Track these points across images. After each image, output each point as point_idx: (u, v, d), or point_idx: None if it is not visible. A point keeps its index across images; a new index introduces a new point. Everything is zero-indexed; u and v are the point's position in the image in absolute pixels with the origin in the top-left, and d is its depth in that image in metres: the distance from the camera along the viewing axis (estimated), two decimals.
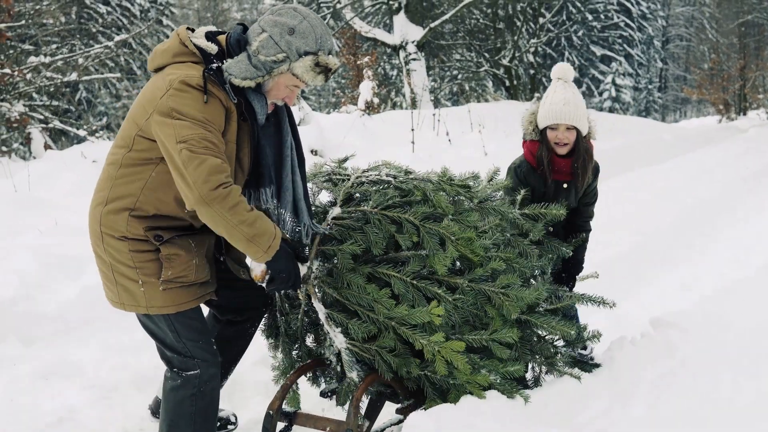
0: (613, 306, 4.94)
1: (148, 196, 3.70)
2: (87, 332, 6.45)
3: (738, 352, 5.08)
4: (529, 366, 4.65)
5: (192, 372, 3.92)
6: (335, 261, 4.11)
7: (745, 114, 42.81)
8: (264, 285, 3.95)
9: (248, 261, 3.92)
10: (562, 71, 4.94)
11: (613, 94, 57.73)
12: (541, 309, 4.57)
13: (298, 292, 4.18)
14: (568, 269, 5.28)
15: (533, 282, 4.57)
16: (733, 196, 12.81)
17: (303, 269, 4.04)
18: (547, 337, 4.65)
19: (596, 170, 5.17)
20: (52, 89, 15.53)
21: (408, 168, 4.48)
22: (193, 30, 3.85)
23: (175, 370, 3.95)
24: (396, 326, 4.00)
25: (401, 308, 3.98)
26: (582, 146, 4.92)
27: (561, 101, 4.83)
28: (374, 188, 4.24)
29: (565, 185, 5.04)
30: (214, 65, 3.66)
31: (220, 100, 3.64)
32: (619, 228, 10.21)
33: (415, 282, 4.05)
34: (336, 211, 4.17)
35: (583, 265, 5.39)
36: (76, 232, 7.60)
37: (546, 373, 4.70)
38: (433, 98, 24.19)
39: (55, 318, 6.58)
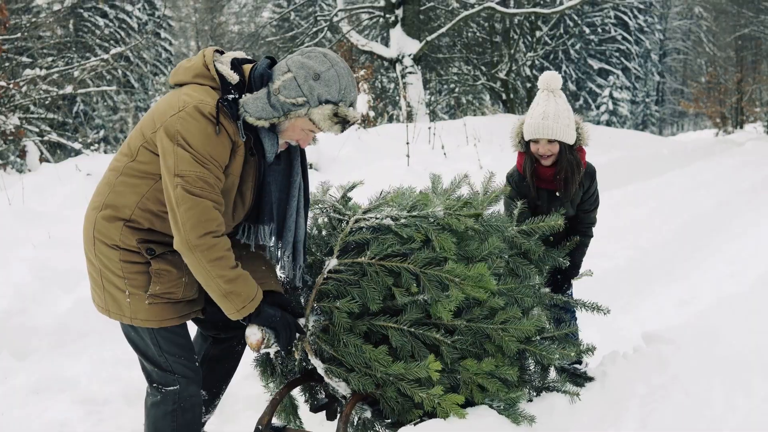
0: (608, 312, 4.92)
1: (143, 210, 3.67)
2: (81, 346, 6.45)
3: (731, 367, 5.09)
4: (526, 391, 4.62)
5: (171, 388, 3.89)
6: (332, 317, 4.02)
7: (741, 127, 42.93)
8: (263, 351, 3.91)
9: (246, 331, 3.84)
10: (546, 81, 4.95)
11: (611, 107, 57.81)
12: (538, 338, 4.51)
13: (294, 349, 4.11)
14: (564, 272, 5.27)
15: (533, 310, 4.50)
16: (730, 210, 12.83)
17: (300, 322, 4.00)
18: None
19: (590, 175, 5.16)
20: (47, 102, 15.49)
21: (413, 197, 4.32)
22: (222, 52, 3.82)
23: (154, 385, 3.93)
24: (395, 381, 3.96)
25: (398, 365, 3.91)
26: (566, 157, 4.93)
27: (540, 115, 4.86)
28: (372, 235, 4.11)
29: (557, 194, 5.05)
30: (231, 96, 3.62)
31: (229, 134, 3.60)
32: (616, 242, 10.21)
33: (413, 330, 3.99)
34: (332, 263, 4.07)
35: (580, 270, 5.39)
36: (69, 246, 7.58)
37: (539, 393, 4.67)
38: (429, 111, 24.17)
39: (49, 331, 6.55)
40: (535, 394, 4.58)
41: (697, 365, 5.07)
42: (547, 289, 4.83)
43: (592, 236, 5.35)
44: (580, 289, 7.75)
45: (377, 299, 3.96)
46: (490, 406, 4.13)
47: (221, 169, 3.61)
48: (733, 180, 16.35)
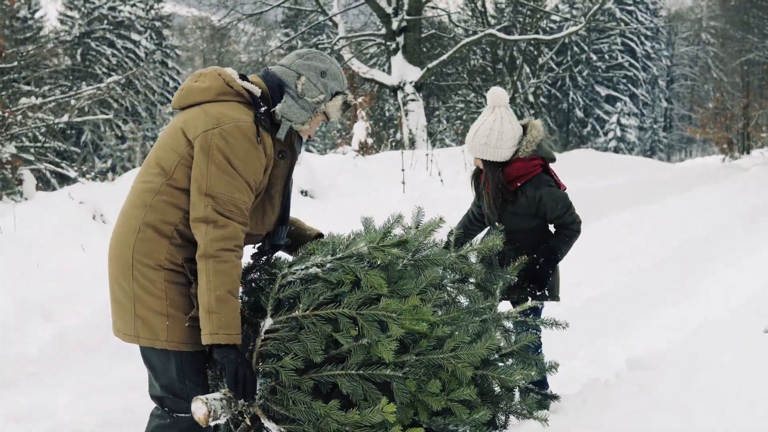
0: (566, 327, 4.83)
1: (186, 225, 3.71)
2: (62, 375, 6.42)
3: (711, 393, 5.02)
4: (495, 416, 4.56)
5: (183, 415, 3.86)
6: (278, 377, 3.94)
7: (748, 153, 42.79)
8: (212, 424, 3.86)
9: (192, 407, 3.80)
10: (490, 97, 5.02)
11: (618, 133, 57.99)
12: (496, 356, 4.45)
13: (244, 415, 3.99)
14: (538, 269, 5.13)
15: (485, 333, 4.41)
16: (726, 235, 12.77)
17: None
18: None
19: (536, 185, 5.07)
20: (43, 130, 15.53)
21: (337, 239, 4.31)
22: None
23: (166, 409, 3.90)
24: (351, 430, 3.87)
25: (353, 414, 3.84)
26: (489, 175, 5.04)
27: (471, 133, 5.00)
28: (302, 287, 4.04)
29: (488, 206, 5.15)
30: (263, 108, 3.83)
31: (265, 148, 3.78)
32: (610, 267, 10.18)
33: (362, 372, 3.92)
34: (268, 322, 3.99)
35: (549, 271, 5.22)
36: (56, 275, 7.58)
37: (508, 417, 4.61)
38: (432, 139, 24.18)
39: (31, 361, 6.53)
40: (503, 418, 4.53)
41: (677, 391, 5.00)
42: (511, 309, 4.75)
43: (579, 231, 5.25)
44: (569, 315, 7.75)
45: (319, 350, 3.88)
46: None
47: (253, 191, 3.76)
48: (732, 205, 16.28)
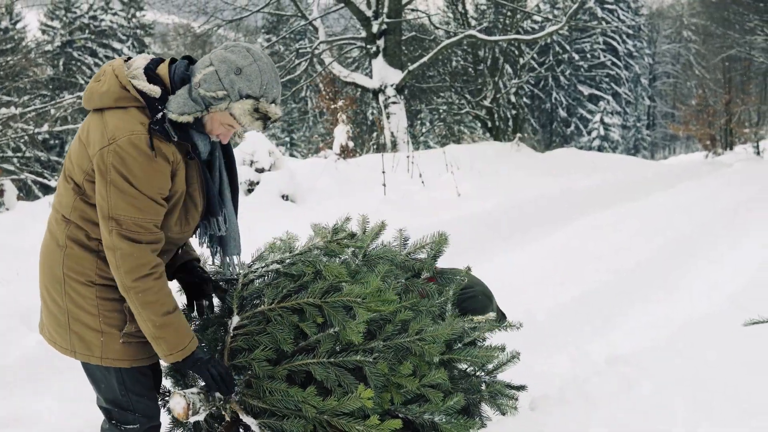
0: (520, 327, 4.86)
1: None
2: (46, 382, 6.39)
3: (694, 389, 5.02)
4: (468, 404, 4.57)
5: (131, 426, 3.79)
6: (250, 372, 3.97)
7: (731, 149, 42.95)
8: (192, 420, 3.83)
9: (170, 403, 3.79)
10: None
11: (602, 132, 58.13)
12: (459, 345, 4.48)
13: (223, 411, 3.99)
14: None
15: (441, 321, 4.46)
16: (710, 231, 12.77)
17: None
18: (469, 370, 4.60)
19: None
20: (25, 140, 15.49)
21: (292, 238, 4.44)
22: (129, 59, 3.65)
23: (113, 422, 3.82)
24: (329, 419, 3.87)
25: (330, 401, 3.85)
26: None
27: None
28: (265, 283, 4.10)
29: None
30: (160, 113, 3.48)
31: (166, 156, 3.48)
32: (593, 265, 10.16)
33: (333, 360, 3.94)
34: (235, 320, 4.02)
35: None
36: (35, 282, 7.54)
37: (479, 404, 4.61)
38: (415, 141, 24.21)
39: (13, 368, 6.50)
40: (476, 408, 4.54)
41: (660, 387, 5.00)
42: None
43: None
44: (552, 313, 7.76)
45: (289, 339, 3.91)
46: (433, 424, 4.09)
47: (160, 203, 3.51)
48: (715, 201, 16.31)
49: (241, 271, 4.22)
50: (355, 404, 3.82)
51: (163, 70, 3.62)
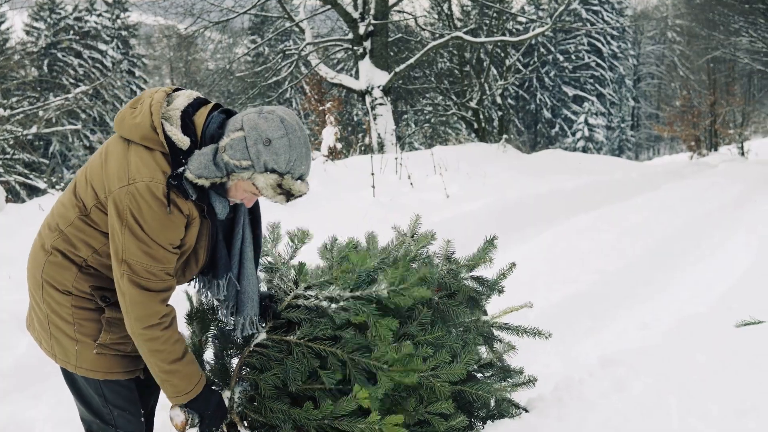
0: (549, 336, 4.87)
1: (97, 260, 3.48)
2: (40, 388, 6.37)
3: (686, 389, 5.05)
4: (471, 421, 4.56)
5: None
6: (257, 387, 3.94)
7: (716, 150, 43.07)
8: None
9: (170, 412, 3.74)
10: None
11: (586, 133, 58.26)
12: (474, 366, 4.45)
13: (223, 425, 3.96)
14: None
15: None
16: (696, 231, 12.82)
17: (225, 396, 3.94)
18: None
19: None
20: (11, 142, 15.42)
21: (305, 234, 4.32)
22: (177, 89, 3.57)
23: None
24: (330, 423, 3.83)
25: (327, 405, 3.80)
26: None
27: None
28: (307, 316, 3.93)
29: None
30: (181, 169, 3.31)
31: (182, 212, 3.36)
32: (580, 267, 10.17)
33: (341, 387, 3.90)
34: (261, 336, 3.94)
35: None
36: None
37: (485, 422, 4.62)
38: (400, 142, 24.21)
39: (7, 373, 6.48)
40: (482, 426, 4.54)
41: (653, 388, 5.02)
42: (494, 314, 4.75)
43: None
44: (541, 315, 7.77)
45: (299, 380, 3.85)
46: None
47: (172, 252, 3.41)
48: (701, 201, 16.36)
49: (293, 286, 4.09)
50: (352, 405, 3.78)
51: (200, 118, 3.48)
